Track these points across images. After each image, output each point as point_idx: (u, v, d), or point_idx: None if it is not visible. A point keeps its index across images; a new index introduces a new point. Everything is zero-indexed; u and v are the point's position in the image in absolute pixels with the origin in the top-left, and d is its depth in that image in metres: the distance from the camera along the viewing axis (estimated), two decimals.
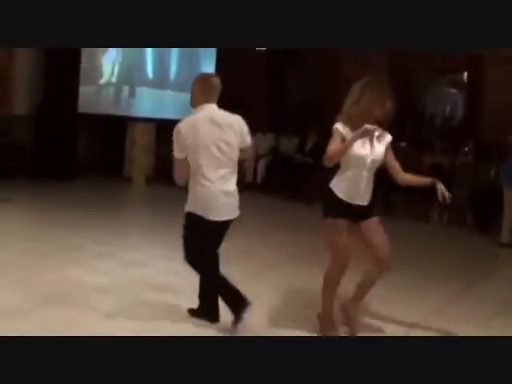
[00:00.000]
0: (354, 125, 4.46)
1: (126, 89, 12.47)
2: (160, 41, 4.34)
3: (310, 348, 3.44)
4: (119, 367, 3.00)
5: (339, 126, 4.51)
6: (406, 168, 4.83)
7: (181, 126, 4.54)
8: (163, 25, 4.00)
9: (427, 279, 6.73)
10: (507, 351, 3.19)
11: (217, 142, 4.52)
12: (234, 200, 4.69)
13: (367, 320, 5.19)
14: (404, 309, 5.59)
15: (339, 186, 4.59)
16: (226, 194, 4.61)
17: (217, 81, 4.72)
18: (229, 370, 3.03)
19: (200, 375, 2.98)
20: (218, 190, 4.55)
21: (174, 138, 4.54)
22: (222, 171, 4.57)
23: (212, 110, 4.61)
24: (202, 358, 3.11)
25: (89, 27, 3.92)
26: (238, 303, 4.62)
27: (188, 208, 4.67)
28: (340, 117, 4.58)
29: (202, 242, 4.70)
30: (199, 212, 4.59)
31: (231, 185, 4.65)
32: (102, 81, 12.15)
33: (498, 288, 6.87)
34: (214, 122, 4.54)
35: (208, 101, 4.62)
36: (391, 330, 5.00)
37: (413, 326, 5.15)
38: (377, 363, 3.11)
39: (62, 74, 11.20)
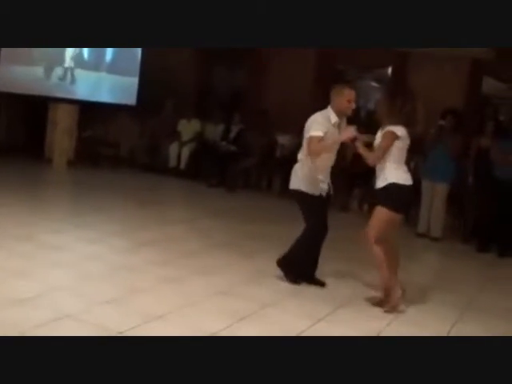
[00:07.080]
0: None
1: (54, 69, 12.18)
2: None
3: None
4: None
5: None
6: None
7: None
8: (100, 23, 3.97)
9: (348, 265, 6.90)
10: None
11: None
12: None
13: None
14: (329, 292, 5.83)
15: (405, 176, 5.66)
16: None
17: None
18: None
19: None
20: None
21: None
22: None
23: None
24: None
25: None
26: None
27: None
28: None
29: None
30: None
31: None
32: (28, 60, 11.80)
33: (415, 273, 7.14)
34: None
35: None
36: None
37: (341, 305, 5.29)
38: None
39: None
